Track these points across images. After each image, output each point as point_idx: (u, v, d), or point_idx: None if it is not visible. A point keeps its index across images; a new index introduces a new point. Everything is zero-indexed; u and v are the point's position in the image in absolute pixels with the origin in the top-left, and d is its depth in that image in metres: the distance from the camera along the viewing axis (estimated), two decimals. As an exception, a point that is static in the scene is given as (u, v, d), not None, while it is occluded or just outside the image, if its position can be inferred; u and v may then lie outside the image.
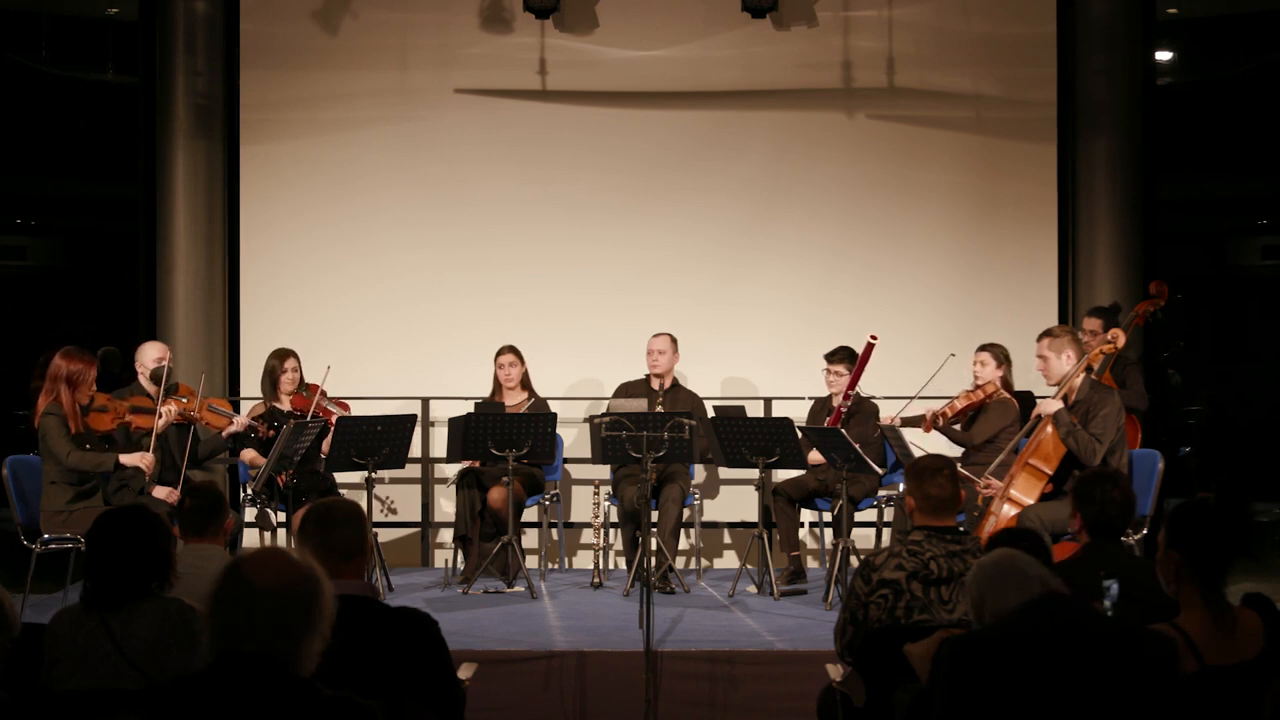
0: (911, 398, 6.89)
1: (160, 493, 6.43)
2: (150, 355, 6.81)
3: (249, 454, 7.09)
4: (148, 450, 6.41)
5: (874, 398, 7.35)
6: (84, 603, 3.46)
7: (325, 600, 2.57)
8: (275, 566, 2.56)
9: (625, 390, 7.52)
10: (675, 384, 7.54)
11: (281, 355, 7.20)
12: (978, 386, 6.76)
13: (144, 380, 6.76)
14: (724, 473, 8.08)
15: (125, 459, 6.28)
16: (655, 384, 7.48)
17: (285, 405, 7.16)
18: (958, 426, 6.81)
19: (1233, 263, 14.12)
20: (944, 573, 3.86)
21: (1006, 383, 6.81)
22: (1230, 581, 3.16)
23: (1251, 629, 3.10)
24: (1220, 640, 3.07)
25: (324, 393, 7.05)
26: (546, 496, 7.41)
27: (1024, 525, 5.73)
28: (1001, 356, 6.80)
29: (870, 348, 6.90)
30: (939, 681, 2.95)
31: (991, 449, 6.61)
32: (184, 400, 6.65)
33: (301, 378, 7.24)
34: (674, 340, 7.52)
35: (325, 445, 6.89)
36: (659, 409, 7.27)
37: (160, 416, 6.48)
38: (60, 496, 6.27)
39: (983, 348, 6.84)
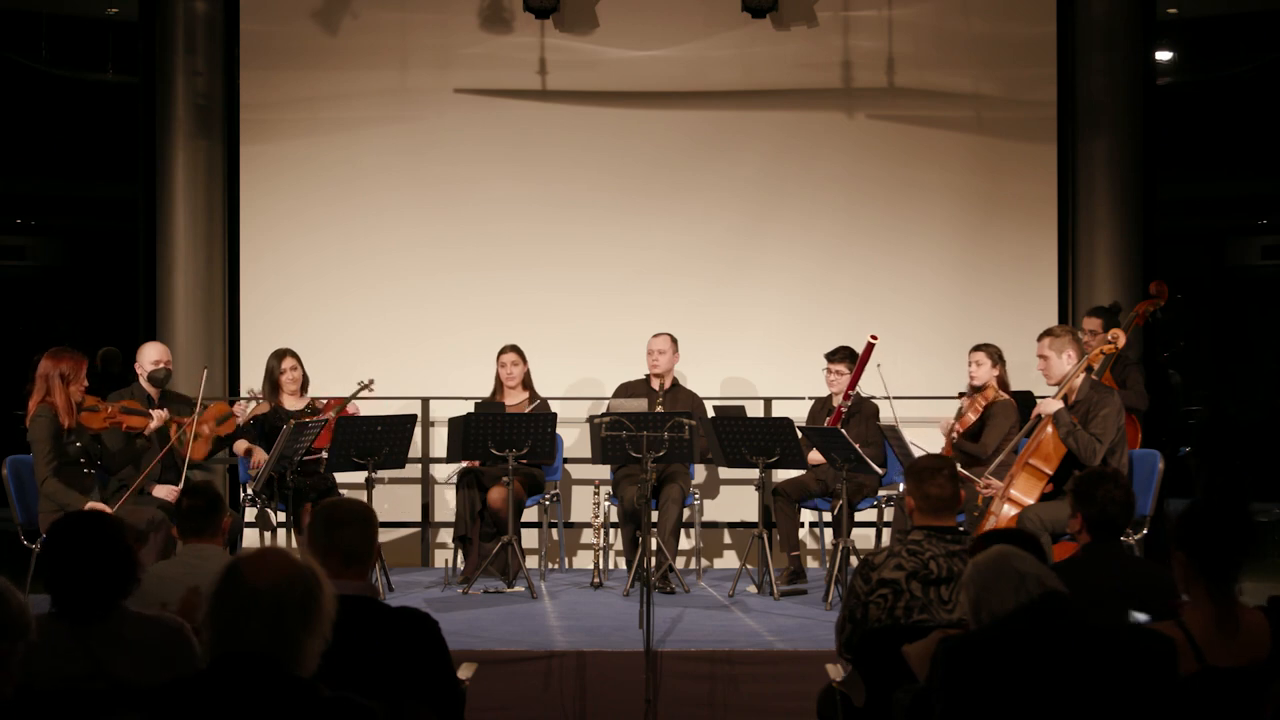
0: (890, 397, 6.89)
1: (161, 491, 6.43)
2: (149, 357, 6.83)
3: (241, 445, 7.08)
4: (144, 450, 6.46)
5: (874, 398, 7.35)
6: (57, 613, 3.27)
7: (325, 600, 2.57)
8: (274, 566, 2.55)
9: (625, 390, 7.52)
10: (675, 384, 7.54)
11: (280, 355, 7.23)
12: (976, 391, 6.72)
13: (143, 381, 6.78)
14: (724, 473, 8.09)
15: (89, 506, 6.17)
16: (655, 384, 7.49)
17: (287, 405, 7.18)
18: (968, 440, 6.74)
19: (1233, 263, 14.11)
20: (943, 572, 3.86)
21: (1003, 382, 6.81)
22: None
23: (1259, 631, 3.11)
24: (1225, 641, 3.07)
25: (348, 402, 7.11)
26: (546, 496, 7.41)
27: (1024, 525, 5.74)
28: (996, 356, 6.79)
29: (870, 348, 6.90)
30: (938, 682, 2.95)
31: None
32: (176, 426, 6.62)
33: (304, 377, 7.25)
34: (674, 340, 7.52)
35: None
36: (659, 409, 7.27)
37: (152, 419, 6.48)
38: (56, 498, 6.29)
39: (977, 348, 6.83)
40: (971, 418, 6.65)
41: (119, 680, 3.21)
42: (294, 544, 6.87)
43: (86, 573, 3.26)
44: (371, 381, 7.17)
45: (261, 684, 2.48)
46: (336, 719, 2.51)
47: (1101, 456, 6.03)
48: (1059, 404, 6.16)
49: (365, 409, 7.41)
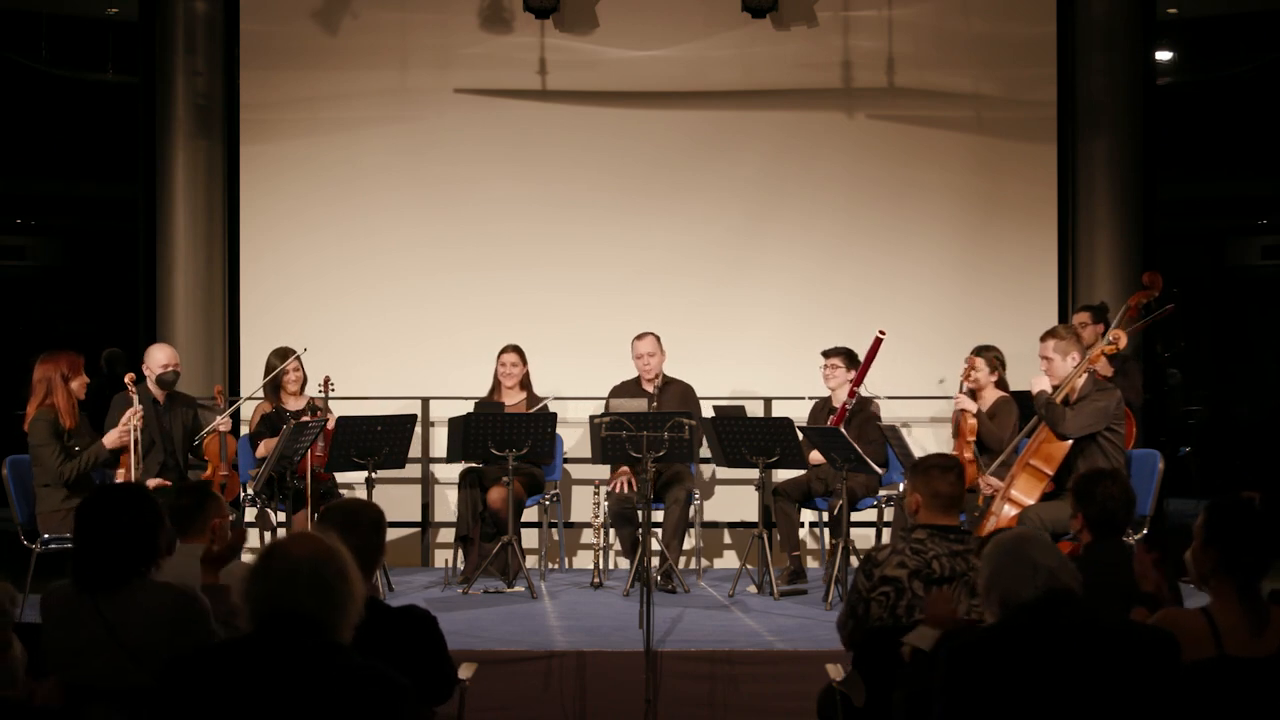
0: (877, 398, 6.86)
1: (153, 483, 6.47)
2: (158, 360, 6.84)
3: (263, 447, 7.10)
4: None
5: (877, 397, 7.35)
6: (74, 582, 3.42)
7: (356, 573, 2.70)
8: (313, 542, 2.71)
9: (620, 391, 7.47)
10: (666, 380, 7.50)
11: (282, 355, 7.23)
12: (962, 409, 6.67)
13: (151, 384, 6.79)
14: (724, 473, 8.08)
15: (107, 440, 6.32)
16: (648, 386, 7.44)
17: (289, 405, 7.18)
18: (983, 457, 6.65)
19: (1233, 263, 14.11)
20: (946, 572, 3.85)
21: (1002, 384, 6.80)
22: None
23: (1278, 625, 3.13)
24: (1249, 634, 3.09)
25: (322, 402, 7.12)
26: (546, 496, 7.41)
27: (1024, 525, 5.74)
28: (995, 361, 6.78)
29: (878, 342, 6.89)
30: (940, 681, 2.96)
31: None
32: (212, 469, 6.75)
33: (305, 376, 7.25)
34: (658, 339, 7.48)
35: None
36: (654, 407, 7.25)
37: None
38: (55, 496, 6.31)
39: (976, 351, 6.82)
40: (969, 447, 6.58)
41: (130, 646, 3.26)
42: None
43: (111, 543, 3.38)
44: (305, 350, 7.19)
45: (306, 643, 2.59)
46: (373, 685, 2.59)
47: (1070, 430, 6.05)
48: (1045, 382, 6.18)
49: (365, 409, 7.41)
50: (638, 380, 7.51)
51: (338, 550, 2.69)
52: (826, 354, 7.23)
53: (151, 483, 6.48)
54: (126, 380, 6.56)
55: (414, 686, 2.65)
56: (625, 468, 7.09)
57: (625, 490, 7.01)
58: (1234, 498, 3.30)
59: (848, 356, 7.17)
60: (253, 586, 2.64)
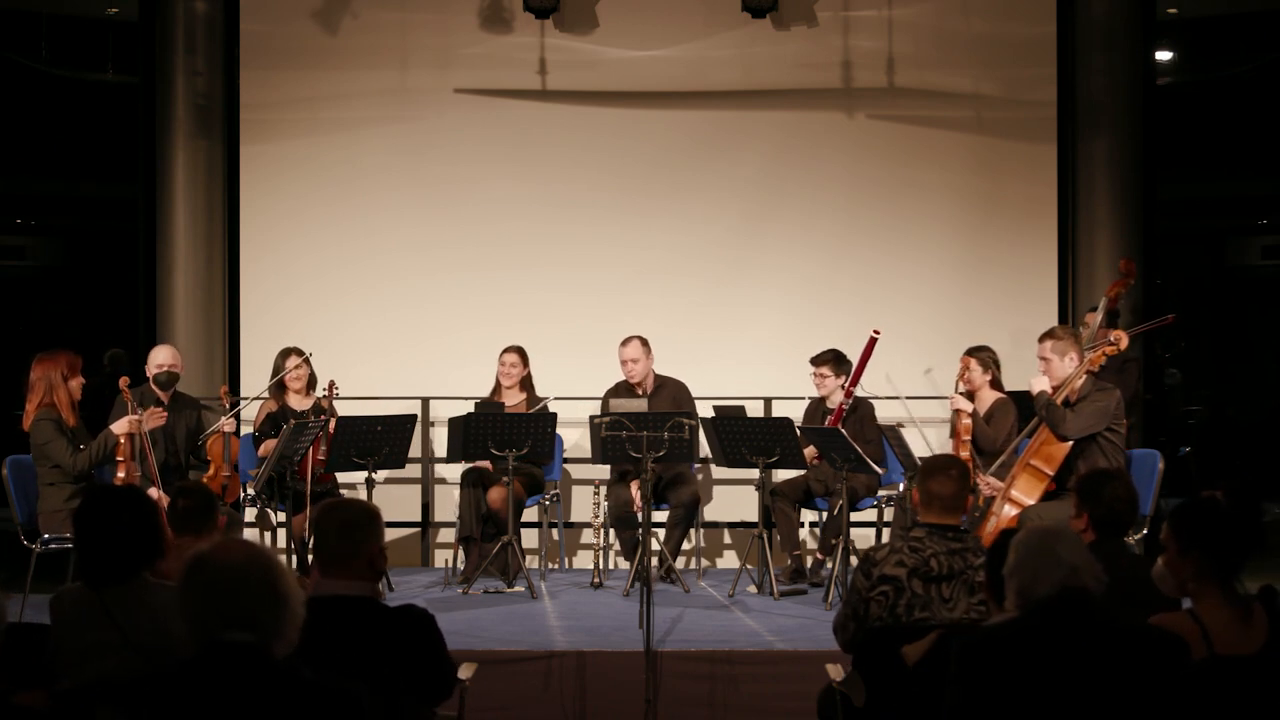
0: (873, 398, 6.86)
1: (151, 493, 6.46)
2: (155, 360, 6.87)
3: (265, 446, 7.09)
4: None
5: (874, 397, 7.35)
6: (82, 580, 3.45)
7: (290, 579, 2.62)
8: (239, 550, 2.61)
9: (613, 394, 7.45)
10: (658, 381, 7.48)
11: (286, 354, 7.23)
12: (958, 409, 6.67)
13: (151, 384, 6.79)
14: (724, 473, 8.07)
15: (116, 427, 6.30)
16: (639, 391, 7.42)
17: (293, 404, 7.18)
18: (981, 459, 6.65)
19: (1233, 263, 14.12)
20: (944, 570, 3.86)
21: (997, 384, 6.79)
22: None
23: (1260, 622, 3.13)
24: (1237, 633, 3.09)
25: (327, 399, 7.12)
26: (546, 496, 7.41)
27: (1024, 525, 5.73)
28: (989, 361, 6.77)
29: (873, 342, 6.89)
30: (950, 679, 2.96)
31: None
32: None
33: (311, 375, 7.25)
34: (644, 342, 7.46)
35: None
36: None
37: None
38: (58, 495, 6.29)
39: (969, 352, 6.81)
40: (965, 446, 6.58)
41: (140, 646, 3.27)
42: (293, 545, 6.87)
43: (113, 539, 3.39)
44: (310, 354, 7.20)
45: (248, 671, 2.52)
46: (322, 703, 2.55)
47: (1071, 431, 6.04)
48: (1044, 383, 6.17)
49: (365, 409, 7.41)
50: (629, 383, 7.48)
51: (266, 551, 2.64)
52: (814, 362, 7.21)
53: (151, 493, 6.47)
54: (121, 384, 6.54)
55: (412, 694, 2.62)
56: (633, 482, 7.05)
57: (632, 509, 7.00)
58: (1198, 500, 3.30)
59: (835, 362, 7.15)
60: (189, 607, 2.56)
